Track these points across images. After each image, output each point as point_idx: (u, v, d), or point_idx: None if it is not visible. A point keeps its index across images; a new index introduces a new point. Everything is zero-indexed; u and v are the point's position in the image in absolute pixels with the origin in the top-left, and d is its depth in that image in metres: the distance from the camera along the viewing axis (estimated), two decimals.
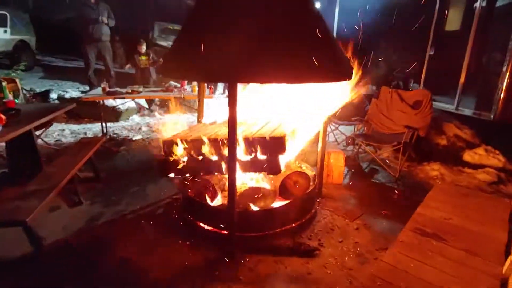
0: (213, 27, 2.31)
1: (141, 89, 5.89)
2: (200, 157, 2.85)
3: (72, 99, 7.53)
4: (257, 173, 3.05)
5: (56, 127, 6.45)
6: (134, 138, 6.11)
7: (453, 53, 6.87)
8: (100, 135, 6.21)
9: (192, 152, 2.83)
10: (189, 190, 3.10)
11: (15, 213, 2.39)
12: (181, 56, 2.49)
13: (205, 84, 6.11)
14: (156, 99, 8.07)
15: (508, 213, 2.95)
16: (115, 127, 6.72)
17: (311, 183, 3.19)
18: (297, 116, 3.15)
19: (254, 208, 2.92)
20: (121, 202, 3.77)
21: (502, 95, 5.68)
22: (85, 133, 6.29)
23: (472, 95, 6.51)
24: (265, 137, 2.66)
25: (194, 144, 2.81)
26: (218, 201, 3.11)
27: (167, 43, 10.89)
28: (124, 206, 3.69)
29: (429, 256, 2.29)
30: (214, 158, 2.84)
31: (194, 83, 6.12)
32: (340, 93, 3.20)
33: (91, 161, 4.04)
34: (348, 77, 2.54)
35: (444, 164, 4.91)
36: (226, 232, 2.87)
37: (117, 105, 6.88)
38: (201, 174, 2.94)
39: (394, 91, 5.02)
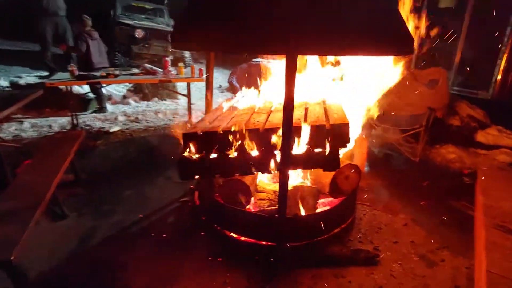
0: None
1: (117, 72, 4.98)
2: (235, 153, 2.22)
3: (31, 86, 6.33)
4: (310, 170, 2.49)
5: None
6: (111, 130, 5.21)
7: (447, 31, 6.68)
8: (68, 128, 5.23)
9: (224, 147, 2.19)
10: (216, 194, 2.46)
11: None
12: (212, 22, 1.82)
13: (194, 66, 5.36)
14: (130, 84, 7.10)
15: None
16: (85, 118, 5.73)
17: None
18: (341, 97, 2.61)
19: (303, 212, 2.37)
20: (116, 211, 3.03)
21: (499, 76, 5.67)
22: (50, 126, 5.26)
23: (468, 74, 6.38)
24: (324, 125, 2.09)
25: (226, 137, 2.17)
26: (251, 205, 2.51)
27: (132, 21, 9.70)
28: (121, 216, 2.96)
29: None
30: (255, 153, 2.22)
31: (181, 64, 5.32)
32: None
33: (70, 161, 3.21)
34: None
35: (457, 146, 4.68)
36: (269, 244, 2.31)
37: (87, 93, 5.86)
38: (236, 174, 2.30)
39: (407, 71, 4.65)
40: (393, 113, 4.38)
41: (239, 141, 2.16)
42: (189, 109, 5.67)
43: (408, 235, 2.79)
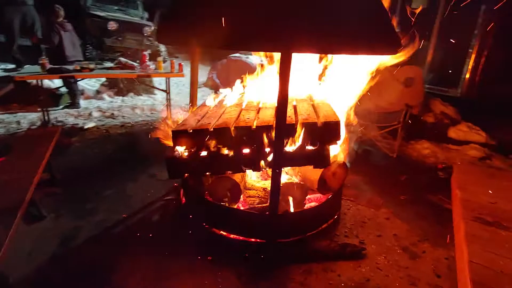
0: None
1: (92, 66, 4.76)
2: (227, 151, 2.19)
3: None
4: (299, 167, 2.50)
5: None
6: (86, 126, 4.99)
7: (419, 31, 6.94)
8: (38, 124, 4.95)
9: (216, 144, 2.16)
10: (205, 191, 2.43)
11: None
12: (199, 17, 1.78)
13: (173, 60, 5.23)
14: (103, 79, 6.83)
15: None
16: (57, 114, 5.45)
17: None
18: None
19: (292, 208, 2.39)
20: (97, 210, 2.92)
21: (467, 75, 6.02)
22: (18, 123, 4.95)
23: (439, 72, 6.68)
24: (316, 123, 2.11)
25: (219, 134, 2.14)
26: (241, 203, 2.50)
27: (104, 13, 9.30)
28: (103, 215, 2.85)
29: (510, 250, 2.05)
30: (246, 150, 2.20)
31: (160, 58, 5.17)
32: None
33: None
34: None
35: (431, 141, 4.91)
36: (259, 241, 2.31)
37: (59, 87, 5.56)
38: (227, 172, 2.28)
39: (385, 69, 4.79)
40: (373, 111, 4.51)
41: (231, 139, 2.14)
42: (169, 105, 5.54)
43: (390, 228, 2.89)
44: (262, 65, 2.86)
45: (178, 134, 2.17)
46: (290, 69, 1.79)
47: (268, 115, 2.28)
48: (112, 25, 8.83)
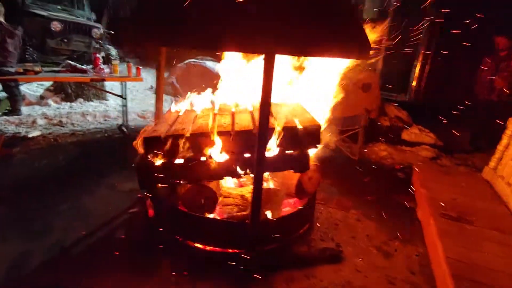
0: None
1: (37, 68, 4.29)
2: (203, 158, 2.06)
3: None
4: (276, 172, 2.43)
5: None
6: (30, 135, 4.48)
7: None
8: None
9: (191, 151, 2.02)
10: (178, 201, 2.27)
11: None
12: (178, 17, 1.67)
13: (131, 64, 4.92)
14: (48, 83, 6.23)
15: (488, 186, 3.17)
16: None
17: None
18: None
19: (269, 215, 2.32)
20: (51, 229, 2.59)
21: (414, 83, 6.57)
22: None
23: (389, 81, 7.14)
24: (296, 126, 2.07)
25: (195, 141, 2.00)
26: (217, 212, 2.37)
27: (46, 12, 8.53)
28: (58, 234, 2.53)
29: (477, 243, 2.19)
30: (224, 157, 2.09)
31: (115, 62, 4.84)
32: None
33: None
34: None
35: (387, 144, 5.18)
36: (237, 251, 2.21)
37: None
38: (203, 180, 2.14)
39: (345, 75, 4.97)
40: (336, 115, 4.64)
41: (208, 145, 2.02)
42: (126, 111, 5.19)
43: (362, 229, 2.95)
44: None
45: (150, 141, 2.00)
46: (273, 71, 1.73)
47: (245, 120, 2.20)
48: (56, 26, 8.13)
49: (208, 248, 2.28)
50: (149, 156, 2.01)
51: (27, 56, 7.54)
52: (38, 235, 2.50)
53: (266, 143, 1.85)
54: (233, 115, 2.40)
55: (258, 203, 1.98)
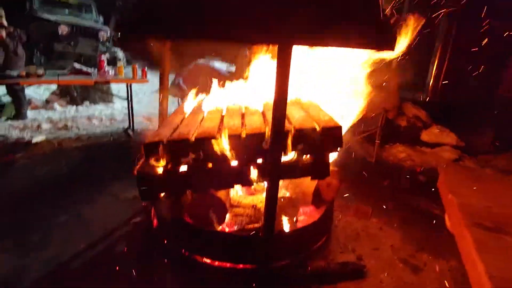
0: None
1: (41, 71, 4.16)
2: (211, 164, 1.84)
3: None
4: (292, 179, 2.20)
5: None
6: (34, 140, 4.35)
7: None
8: None
9: (197, 157, 1.80)
10: (183, 212, 2.06)
11: None
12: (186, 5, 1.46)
13: (136, 65, 4.76)
14: (54, 87, 6.13)
15: None
16: None
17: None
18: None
19: (287, 227, 2.09)
20: (48, 242, 2.41)
21: (431, 81, 6.27)
22: None
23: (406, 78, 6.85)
24: (314, 128, 1.84)
25: (201, 146, 1.79)
26: (227, 224, 2.15)
27: (55, 16, 8.49)
28: (56, 248, 2.35)
29: None
30: (234, 163, 1.87)
31: (121, 64, 4.69)
32: None
33: None
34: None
35: (405, 145, 4.90)
36: (248, 267, 1.99)
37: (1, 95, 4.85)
38: (211, 189, 1.93)
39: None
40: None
41: (216, 150, 1.80)
42: (131, 113, 5.04)
43: (385, 239, 2.69)
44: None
45: (152, 147, 1.79)
46: (289, 65, 1.51)
47: (257, 122, 1.98)
48: (63, 29, 8.08)
49: (216, 263, 2.06)
50: (150, 164, 1.81)
51: (34, 60, 7.51)
52: (34, 249, 2.32)
53: (280, 147, 1.63)
54: (242, 116, 2.18)
55: (272, 214, 1.75)
